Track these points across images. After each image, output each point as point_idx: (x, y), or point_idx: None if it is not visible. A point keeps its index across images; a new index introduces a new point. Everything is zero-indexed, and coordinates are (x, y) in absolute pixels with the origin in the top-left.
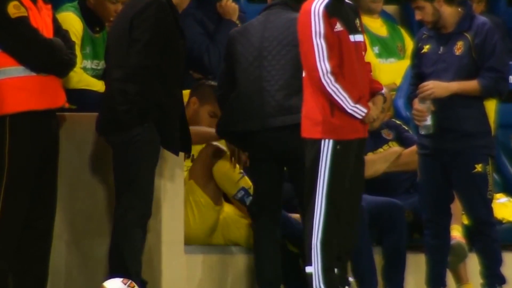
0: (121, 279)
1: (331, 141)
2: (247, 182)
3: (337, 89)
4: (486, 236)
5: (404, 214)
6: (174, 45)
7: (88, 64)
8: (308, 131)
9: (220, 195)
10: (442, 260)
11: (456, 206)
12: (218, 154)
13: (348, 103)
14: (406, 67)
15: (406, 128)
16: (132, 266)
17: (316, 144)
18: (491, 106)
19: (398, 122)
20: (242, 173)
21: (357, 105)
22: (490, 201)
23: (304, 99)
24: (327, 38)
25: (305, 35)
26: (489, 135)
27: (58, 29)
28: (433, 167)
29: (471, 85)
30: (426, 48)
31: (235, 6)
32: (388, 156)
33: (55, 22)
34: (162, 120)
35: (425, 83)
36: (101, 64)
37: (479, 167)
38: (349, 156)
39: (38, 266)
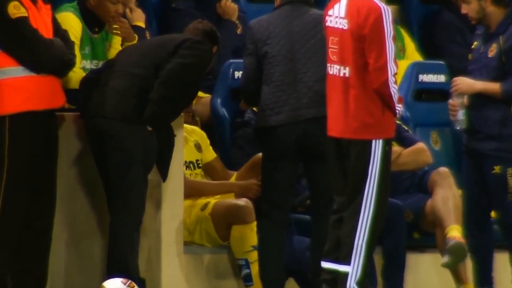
0: (121, 279)
1: (381, 141)
2: (253, 256)
3: (395, 89)
4: (510, 239)
5: (403, 214)
6: (199, 83)
7: (87, 64)
8: (356, 132)
9: (228, 234)
10: (486, 259)
11: (456, 206)
12: (246, 216)
13: (395, 102)
14: (406, 67)
15: (406, 128)
16: (131, 266)
17: (366, 145)
18: None
19: (398, 122)
20: (255, 247)
21: (399, 105)
22: (511, 202)
23: (348, 99)
24: (394, 39)
25: (377, 34)
26: None
27: (58, 29)
28: (468, 164)
29: (494, 87)
30: (474, 44)
31: (234, 6)
32: None
33: (55, 22)
34: (165, 140)
35: (454, 79)
36: (100, 64)
37: (497, 169)
38: (391, 155)
39: (37, 266)
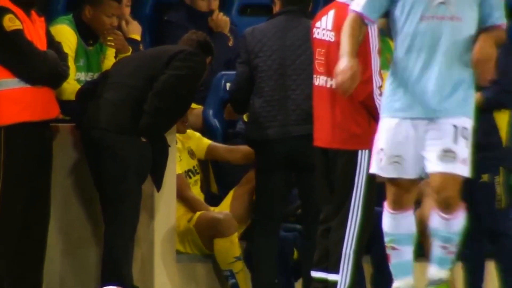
0: (115, 287)
1: (367, 151)
2: (237, 267)
3: (380, 101)
4: (498, 247)
5: None
6: (194, 95)
7: (82, 76)
8: (343, 142)
9: (213, 245)
10: (476, 269)
11: None
12: (225, 230)
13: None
14: None
15: None
16: (125, 274)
17: (353, 155)
18: (503, 119)
19: None
20: (238, 258)
21: None
22: (499, 211)
23: (335, 110)
24: (379, 53)
25: (362, 47)
26: (499, 147)
27: (51, 42)
28: None
29: (476, 97)
30: None
31: (226, 19)
32: None
33: (48, 34)
34: (159, 150)
35: None
36: (95, 76)
37: (485, 177)
38: None
39: (32, 273)
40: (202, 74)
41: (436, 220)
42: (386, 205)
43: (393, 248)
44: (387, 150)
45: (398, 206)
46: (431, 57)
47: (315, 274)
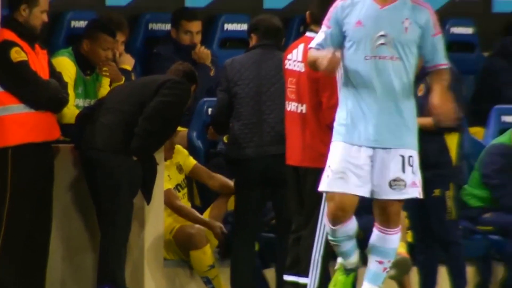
0: None
1: None
2: (212, 273)
3: None
4: (449, 254)
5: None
6: (180, 119)
7: (81, 102)
8: (312, 160)
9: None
10: (430, 273)
11: (401, 226)
12: (197, 243)
13: None
14: None
15: None
16: (118, 278)
17: (321, 172)
18: (453, 140)
19: None
20: (211, 266)
21: None
22: (449, 221)
23: (305, 132)
24: None
25: (329, 77)
26: (450, 165)
27: (53, 71)
28: None
29: (427, 121)
30: None
31: (207, 52)
32: None
33: (50, 65)
34: (148, 163)
35: None
36: (92, 102)
37: (437, 192)
38: None
39: (36, 277)
40: (187, 101)
41: (376, 236)
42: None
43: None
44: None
45: None
46: (375, 92)
47: (287, 277)
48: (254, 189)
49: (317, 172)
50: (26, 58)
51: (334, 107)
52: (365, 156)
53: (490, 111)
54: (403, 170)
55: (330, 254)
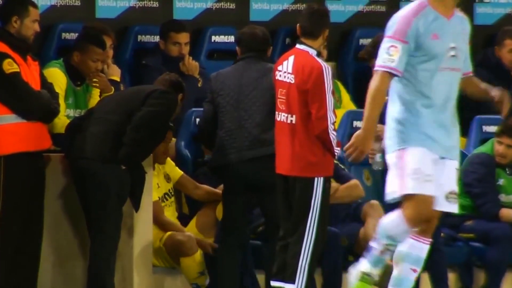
0: None
1: (322, 178)
2: (201, 281)
3: (334, 135)
4: (431, 260)
5: (340, 239)
6: (167, 127)
7: (71, 112)
8: (301, 170)
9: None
10: None
11: None
12: (188, 250)
13: (334, 146)
14: (342, 115)
15: (343, 167)
16: (108, 284)
17: (310, 181)
18: None
19: (336, 162)
20: (201, 273)
21: (337, 148)
22: None
23: (294, 142)
24: (333, 93)
25: (318, 88)
26: None
27: (44, 82)
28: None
29: None
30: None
31: (196, 64)
32: None
33: (42, 76)
34: (136, 171)
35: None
36: (82, 113)
37: None
38: (330, 190)
39: (27, 284)
40: (174, 110)
41: (411, 244)
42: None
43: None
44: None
45: None
46: (446, 102)
47: (274, 283)
48: (239, 195)
49: (306, 181)
50: (18, 70)
51: (322, 118)
52: (434, 164)
53: (472, 121)
54: (456, 183)
55: (316, 261)
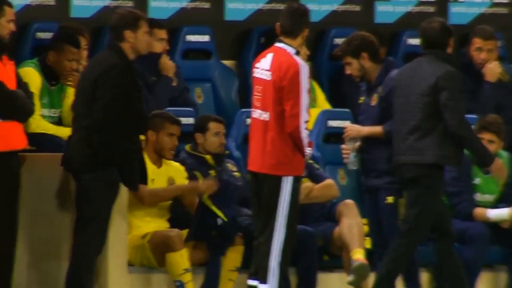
0: None
1: (291, 177)
2: (186, 278)
3: (306, 134)
4: None
5: (315, 239)
6: (133, 101)
7: (46, 112)
8: (271, 168)
9: (164, 260)
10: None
11: (360, 233)
12: (175, 245)
13: (305, 145)
14: (317, 114)
15: (317, 167)
16: (87, 284)
17: (279, 180)
18: None
19: (310, 161)
20: (187, 269)
21: (309, 148)
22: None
23: (266, 139)
24: (309, 92)
25: (294, 86)
26: None
27: (20, 82)
28: (367, 199)
29: (378, 130)
30: (361, 99)
31: (172, 64)
32: (301, 190)
33: (17, 76)
34: (124, 164)
35: (345, 125)
36: (57, 112)
37: (390, 199)
38: (299, 189)
39: (2, 284)
40: (125, 77)
41: None
42: None
43: None
44: None
45: None
46: None
47: (250, 282)
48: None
49: (274, 180)
50: None
51: (296, 116)
52: None
53: None
54: None
55: (288, 259)
